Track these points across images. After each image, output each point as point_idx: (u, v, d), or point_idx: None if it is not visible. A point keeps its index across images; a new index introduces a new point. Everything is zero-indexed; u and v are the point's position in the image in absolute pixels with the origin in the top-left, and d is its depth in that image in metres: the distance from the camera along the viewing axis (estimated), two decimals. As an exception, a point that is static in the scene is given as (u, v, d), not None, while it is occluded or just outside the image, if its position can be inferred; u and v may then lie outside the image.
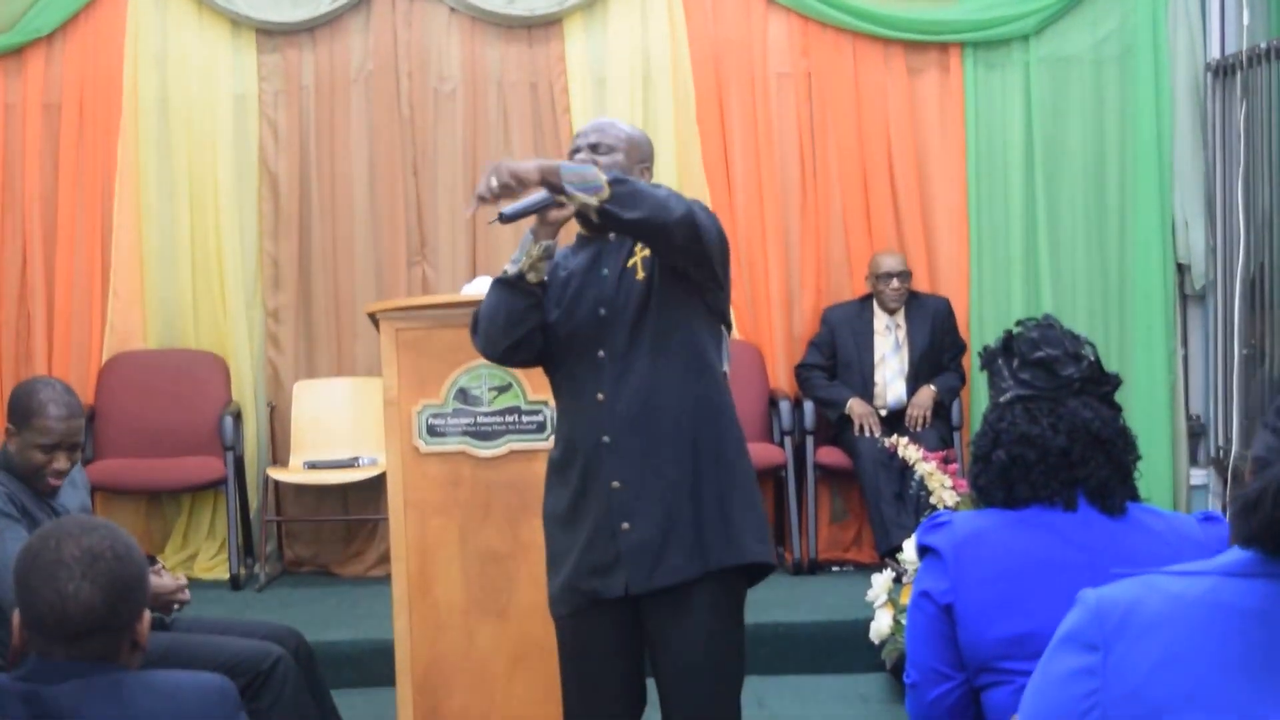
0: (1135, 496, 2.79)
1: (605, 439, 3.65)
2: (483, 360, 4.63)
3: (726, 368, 3.79)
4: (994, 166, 7.28)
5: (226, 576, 6.83)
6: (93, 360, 7.11)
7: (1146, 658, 1.99)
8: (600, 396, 3.65)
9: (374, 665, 5.30)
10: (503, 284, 3.64)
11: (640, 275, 3.67)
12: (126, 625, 2.25)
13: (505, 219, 3.61)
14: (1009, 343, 2.86)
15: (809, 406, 6.93)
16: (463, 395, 4.67)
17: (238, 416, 6.98)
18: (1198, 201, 7.29)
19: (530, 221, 3.65)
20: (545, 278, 3.68)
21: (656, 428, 3.65)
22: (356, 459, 6.91)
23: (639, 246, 3.67)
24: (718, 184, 7.23)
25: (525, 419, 4.67)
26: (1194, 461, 7.39)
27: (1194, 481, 7.34)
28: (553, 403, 4.57)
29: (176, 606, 4.16)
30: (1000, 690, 2.69)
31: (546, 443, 4.65)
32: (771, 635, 5.63)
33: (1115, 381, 2.84)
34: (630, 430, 3.64)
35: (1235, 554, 2.01)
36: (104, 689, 2.20)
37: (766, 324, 7.26)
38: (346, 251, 7.23)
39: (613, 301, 3.68)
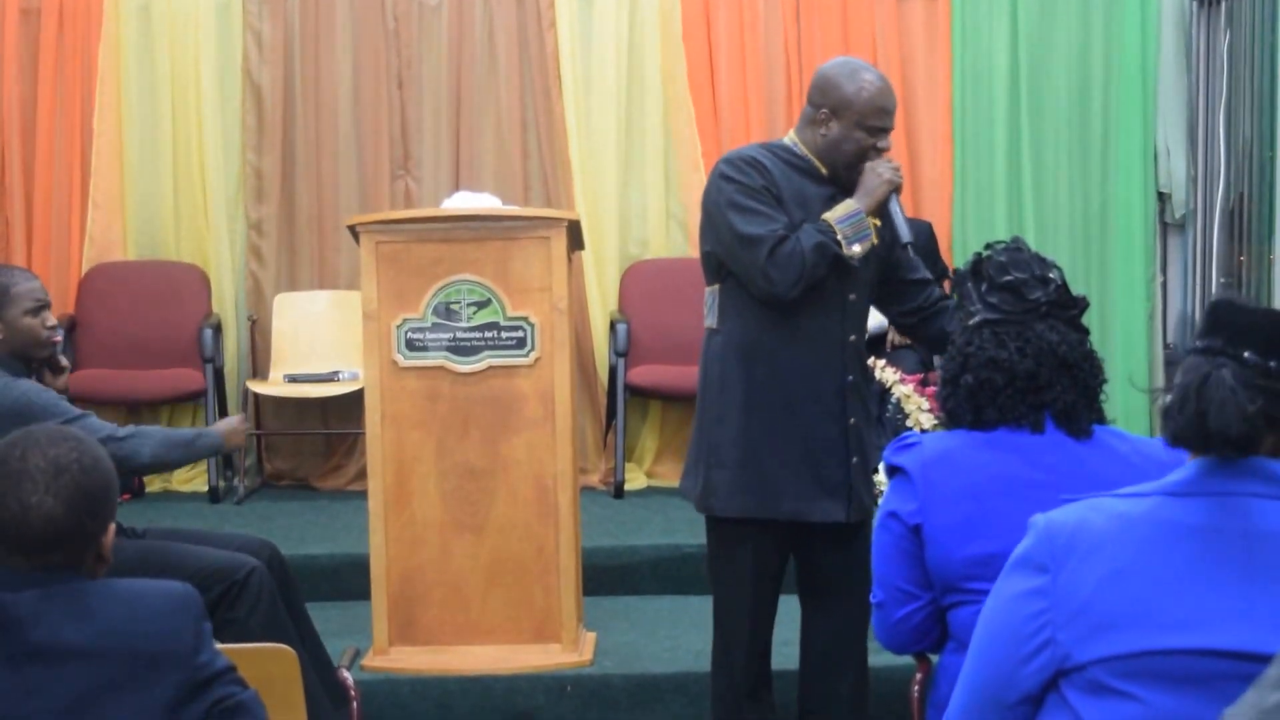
0: (1102, 419, 2.81)
1: (850, 377, 3.84)
2: (462, 275, 4.66)
3: None
4: (979, 91, 7.27)
5: (205, 489, 6.84)
6: (72, 270, 7.09)
7: (1093, 575, 2.04)
8: (853, 338, 3.85)
9: (351, 578, 5.32)
10: (836, 257, 3.73)
11: (874, 240, 3.84)
12: (90, 538, 2.25)
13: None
14: (978, 266, 2.88)
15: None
16: (442, 310, 4.67)
17: (218, 329, 6.97)
18: (1180, 130, 7.29)
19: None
20: None
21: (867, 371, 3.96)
22: (337, 373, 6.92)
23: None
24: (703, 104, 7.20)
25: (504, 335, 4.68)
26: (1169, 389, 7.40)
27: (1169, 408, 7.36)
28: (533, 318, 4.63)
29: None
30: (966, 610, 2.72)
31: (526, 358, 4.67)
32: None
33: (1083, 304, 2.86)
34: (863, 371, 3.91)
35: (1176, 475, 2.07)
36: (65, 597, 2.20)
37: (748, 245, 7.24)
38: (330, 164, 7.20)
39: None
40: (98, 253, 7.11)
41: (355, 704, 3.37)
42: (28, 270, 4.30)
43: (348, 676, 3.38)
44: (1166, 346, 7.41)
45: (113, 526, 2.29)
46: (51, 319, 4.16)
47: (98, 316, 6.99)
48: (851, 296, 3.83)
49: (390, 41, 7.18)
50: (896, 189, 3.79)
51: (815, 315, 3.79)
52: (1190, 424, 2.05)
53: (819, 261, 3.69)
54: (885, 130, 3.80)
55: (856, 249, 3.73)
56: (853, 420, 3.82)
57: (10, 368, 4.07)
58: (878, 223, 3.81)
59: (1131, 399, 7.16)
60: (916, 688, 3.03)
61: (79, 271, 7.09)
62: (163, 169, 7.13)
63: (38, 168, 7.07)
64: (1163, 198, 7.36)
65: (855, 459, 3.82)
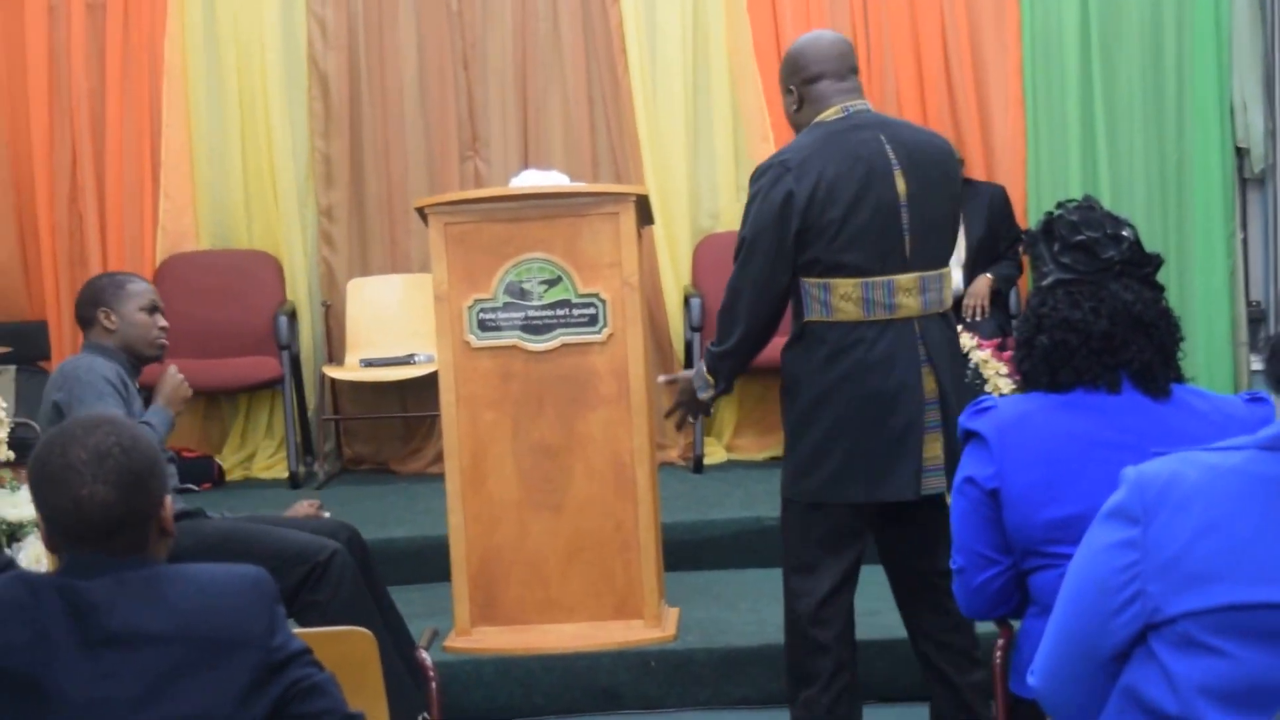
0: (1180, 378, 2.77)
1: None
2: (532, 254, 4.67)
3: (813, 315, 3.83)
4: (1050, 48, 7.15)
5: (285, 475, 6.88)
6: (146, 262, 7.11)
7: (1185, 528, 2.02)
8: None
9: (432, 561, 5.33)
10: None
11: None
12: (150, 515, 2.24)
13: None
14: (1049, 226, 2.84)
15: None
16: (514, 289, 4.66)
17: (293, 316, 7.00)
18: (1256, 83, 7.16)
19: None
20: None
21: None
22: (412, 356, 6.92)
23: None
24: (770, 74, 7.11)
25: (576, 312, 4.67)
26: (1254, 347, 7.31)
27: (1254, 367, 7.26)
28: (604, 295, 4.65)
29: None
30: (1047, 574, 2.69)
31: (598, 335, 4.66)
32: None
33: (1157, 262, 2.81)
34: None
35: (1270, 429, 2.03)
36: (138, 583, 2.20)
37: (820, 214, 7.18)
38: (398, 148, 7.21)
39: None
40: (171, 244, 7.15)
41: (434, 684, 3.36)
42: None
43: (426, 657, 3.38)
44: (1250, 304, 7.29)
45: (169, 499, 2.29)
46: (163, 320, 4.37)
47: (173, 307, 6.91)
48: None
49: (454, 22, 7.17)
50: None
51: None
52: None
53: None
54: None
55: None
56: None
57: (116, 360, 4.18)
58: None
59: (1215, 358, 7.07)
60: (999, 653, 3.00)
61: (153, 263, 7.12)
62: (232, 158, 7.16)
63: (108, 161, 7.11)
64: (1241, 152, 7.23)
65: None
